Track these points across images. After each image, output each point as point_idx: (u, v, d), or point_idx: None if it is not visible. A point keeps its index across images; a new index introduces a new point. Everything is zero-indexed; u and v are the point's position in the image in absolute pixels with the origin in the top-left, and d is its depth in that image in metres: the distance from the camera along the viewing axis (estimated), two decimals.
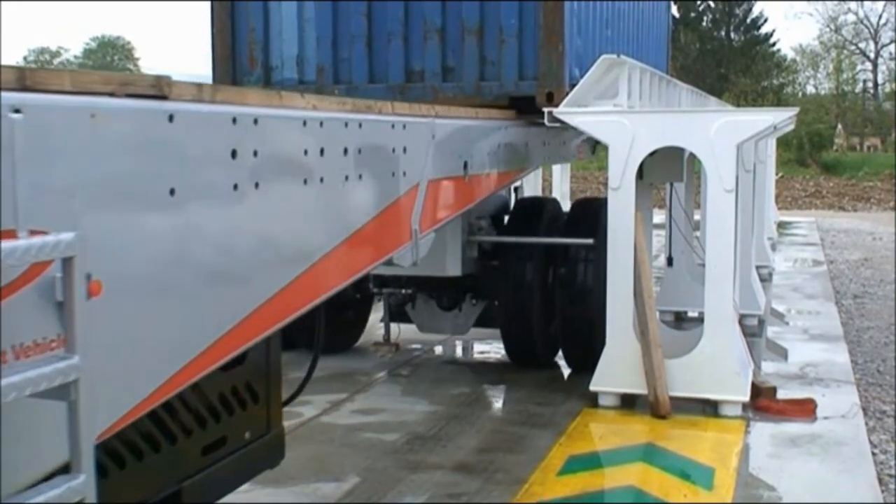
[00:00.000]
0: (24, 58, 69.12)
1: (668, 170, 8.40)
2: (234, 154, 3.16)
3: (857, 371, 8.79)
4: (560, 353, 8.65)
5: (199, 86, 3.06)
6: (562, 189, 22.16)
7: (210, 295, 3.08)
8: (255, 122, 3.31)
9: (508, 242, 8.31)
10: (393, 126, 4.62)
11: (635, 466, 6.22)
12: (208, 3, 8.38)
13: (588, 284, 8.17)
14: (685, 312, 10.53)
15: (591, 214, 8.48)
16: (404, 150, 4.70)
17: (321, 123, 3.79)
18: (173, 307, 2.88)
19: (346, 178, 4.02)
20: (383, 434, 6.87)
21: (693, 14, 54.97)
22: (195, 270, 3.01)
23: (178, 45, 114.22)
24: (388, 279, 8.46)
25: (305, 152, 3.68)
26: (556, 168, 21.97)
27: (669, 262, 10.57)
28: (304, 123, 3.69)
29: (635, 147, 7.29)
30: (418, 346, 9.51)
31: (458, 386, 8.24)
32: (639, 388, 7.27)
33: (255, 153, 3.28)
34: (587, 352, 7.97)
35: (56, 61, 69.30)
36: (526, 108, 7.57)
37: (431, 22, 7.82)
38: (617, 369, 7.35)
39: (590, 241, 8.05)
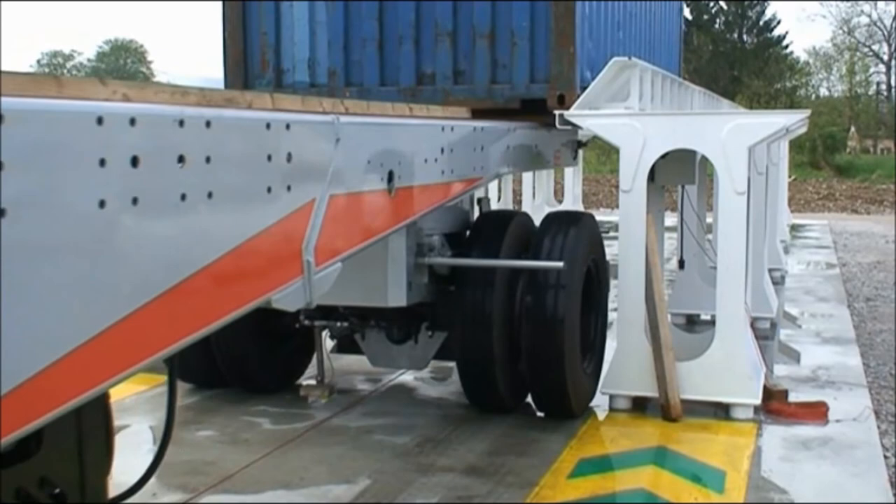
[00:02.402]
0: (38, 61, 69.48)
1: (679, 172, 8.38)
2: None
3: (869, 374, 8.76)
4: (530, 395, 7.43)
5: None
6: (574, 192, 22.21)
7: None
8: None
9: (464, 265, 6.99)
10: (269, 126, 3.60)
11: (646, 469, 6.22)
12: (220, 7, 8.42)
13: (558, 315, 6.89)
14: (697, 315, 10.51)
15: (562, 233, 7.24)
16: (288, 157, 3.70)
17: (132, 121, 2.81)
18: None
19: (184, 196, 3.03)
20: (394, 436, 6.88)
21: (706, 16, 54.89)
22: None
23: (192, 48, 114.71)
24: (323, 309, 7.14)
25: (102, 162, 2.67)
26: (569, 171, 22.00)
27: (681, 264, 10.55)
28: (100, 121, 2.68)
29: (647, 150, 7.29)
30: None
31: None
32: (650, 391, 7.26)
33: None
34: (558, 394, 7.06)
35: (69, 65, 69.56)
36: (537, 111, 7.57)
37: (443, 25, 7.83)
38: (628, 372, 7.35)
39: (559, 264, 6.87)
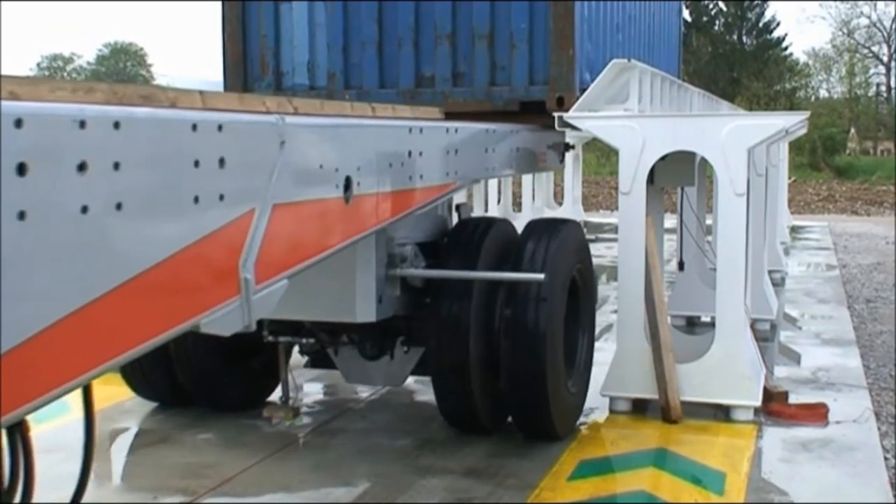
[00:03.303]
0: (38, 64, 69.53)
1: (679, 174, 8.38)
2: None
3: (869, 375, 8.76)
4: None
5: None
6: (573, 194, 22.23)
7: None
8: None
9: (438, 277, 6.49)
10: (195, 127, 3.21)
11: (646, 471, 6.21)
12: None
13: (540, 330, 6.40)
14: (697, 317, 10.51)
15: (544, 242, 6.72)
16: (221, 162, 3.32)
17: (18, 122, 2.47)
18: None
19: (85, 209, 2.70)
20: (393, 439, 6.87)
21: (705, 18, 54.91)
22: None
23: (192, 51, 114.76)
24: (288, 325, 6.70)
25: None
26: (568, 174, 22.04)
27: (681, 266, 10.55)
28: None
29: (646, 151, 7.29)
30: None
31: None
32: (650, 392, 7.26)
33: None
34: (540, 415, 6.59)
35: (69, 68, 69.59)
36: (537, 113, 7.57)
37: (442, 27, 7.83)
38: (628, 374, 7.34)
39: (540, 276, 6.35)
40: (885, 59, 58.81)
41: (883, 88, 59.11)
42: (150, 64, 71.41)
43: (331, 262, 4.38)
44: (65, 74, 66.71)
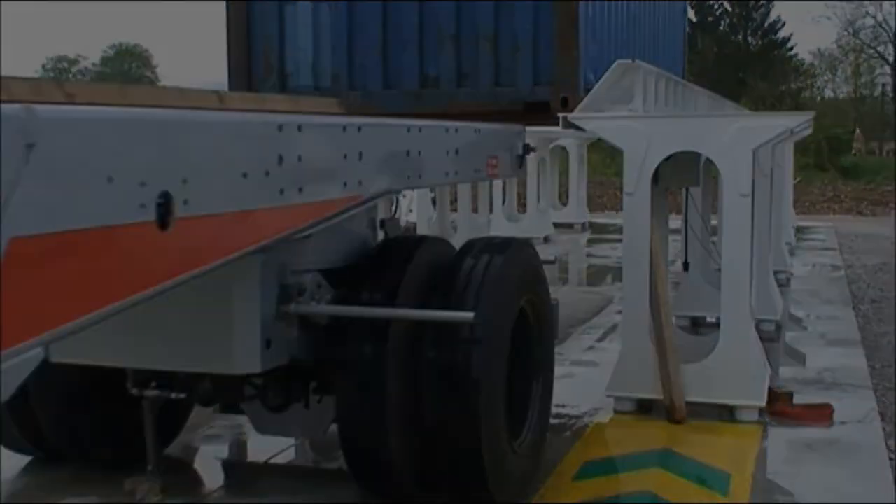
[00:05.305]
0: (43, 66, 69.62)
1: (683, 174, 8.37)
2: None
3: (874, 376, 8.76)
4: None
5: None
6: (578, 195, 22.23)
7: None
8: None
9: (339, 314, 5.12)
10: None
11: (651, 472, 6.20)
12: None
13: (472, 378, 5.09)
14: (702, 318, 10.49)
15: (482, 268, 5.40)
16: None
17: None
18: None
19: None
20: None
21: (710, 18, 54.91)
22: None
23: (196, 52, 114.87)
24: (154, 375, 5.25)
25: None
26: (573, 174, 22.05)
27: (686, 267, 10.54)
28: None
29: (650, 152, 7.29)
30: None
31: None
32: (655, 393, 7.26)
33: None
34: (473, 481, 5.26)
35: (74, 69, 69.71)
36: (541, 113, 7.57)
37: (446, 28, 7.83)
38: (633, 375, 7.34)
39: (469, 315, 4.97)
40: (891, 59, 58.70)
41: (889, 89, 59.01)
42: (155, 65, 71.58)
43: (201, 296, 3.43)
44: (70, 76, 66.83)
